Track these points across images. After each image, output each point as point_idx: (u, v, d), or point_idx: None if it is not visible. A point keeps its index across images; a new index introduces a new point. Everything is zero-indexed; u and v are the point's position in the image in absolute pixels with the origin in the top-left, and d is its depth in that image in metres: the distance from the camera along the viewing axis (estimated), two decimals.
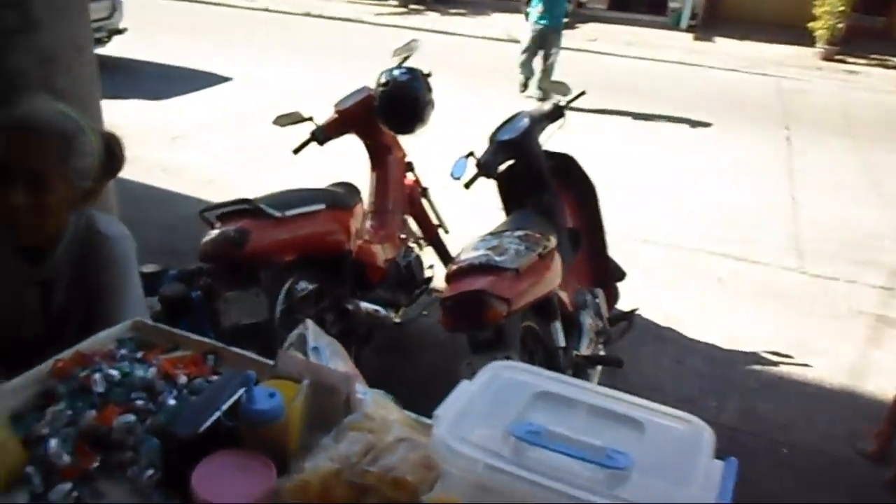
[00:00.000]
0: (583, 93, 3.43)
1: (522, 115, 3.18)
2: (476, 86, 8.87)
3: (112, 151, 1.72)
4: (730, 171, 6.60)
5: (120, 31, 8.82)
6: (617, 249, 3.68)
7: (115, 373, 1.28)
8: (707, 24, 14.42)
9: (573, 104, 3.32)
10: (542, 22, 7.93)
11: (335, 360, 1.38)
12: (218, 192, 5.15)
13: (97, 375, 1.27)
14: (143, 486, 1.12)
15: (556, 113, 3.23)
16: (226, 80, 8.63)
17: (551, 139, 3.22)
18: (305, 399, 1.20)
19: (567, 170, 3.34)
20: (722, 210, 5.71)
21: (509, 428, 0.97)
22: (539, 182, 3.14)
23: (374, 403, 1.19)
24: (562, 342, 2.81)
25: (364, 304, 3.06)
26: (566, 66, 7.56)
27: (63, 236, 1.70)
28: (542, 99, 7.68)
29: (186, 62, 9.21)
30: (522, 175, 3.14)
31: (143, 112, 7.26)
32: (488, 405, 1.04)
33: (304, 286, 2.95)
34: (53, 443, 1.16)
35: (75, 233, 1.72)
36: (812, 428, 3.30)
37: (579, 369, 2.93)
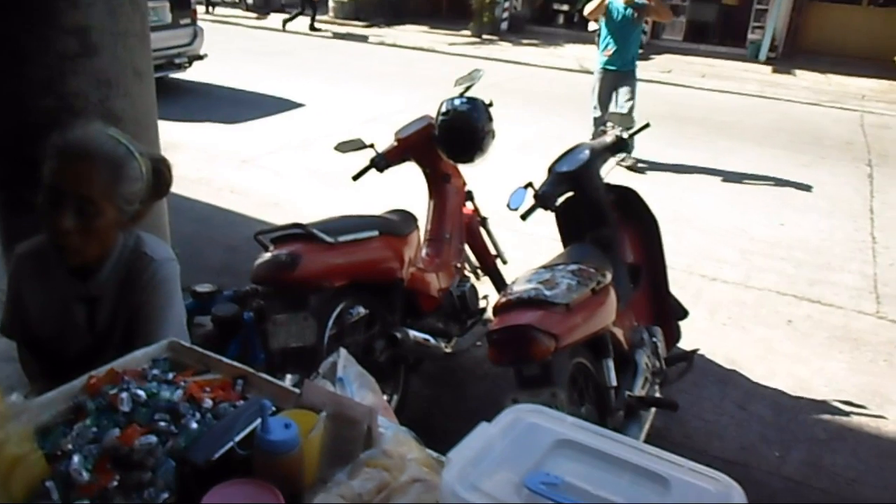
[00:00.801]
0: (647, 125, 3.36)
1: (583, 147, 3.13)
2: (543, 115, 8.85)
3: (160, 174, 1.75)
4: (806, 209, 6.34)
5: (200, 57, 9.18)
6: (680, 287, 3.57)
7: (141, 393, 1.29)
8: (787, 56, 14.07)
9: (639, 136, 3.25)
10: (611, 67, 6.80)
11: (363, 392, 1.35)
12: (282, 214, 5.26)
13: (124, 394, 1.28)
14: None
15: (619, 145, 3.17)
16: (298, 105, 8.85)
17: (613, 171, 3.15)
18: (325, 431, 1.17)
19: (629, 203, 3.27)
20: (795, 249, 5.48)
21: (524, 477, 0.92)
22: (598, 215, 3.08)
23: (395, 440, 1.15)
24: (614, 381, 2.72)
25: (414, 333, 3.03)
26: (637, 98, 7.42)
27: (111, 256, 1.73)
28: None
29: (261, 88, 9.51)
30: (581, 207, 3.09)
31: (216, 135, 7.50)
32: (506, 450, 1.00)
33: (355, 312, 2.95)
34: (76, 459, 1.16)
35: (122, 253, 1.75)
36: (885, 485, 3.08)
37: (631, 410, 2.82)
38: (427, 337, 3.12)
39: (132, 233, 1.78)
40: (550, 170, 3.09)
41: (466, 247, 3.68)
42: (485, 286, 3.79)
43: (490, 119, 3.41)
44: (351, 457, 1.19)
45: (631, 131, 3.28)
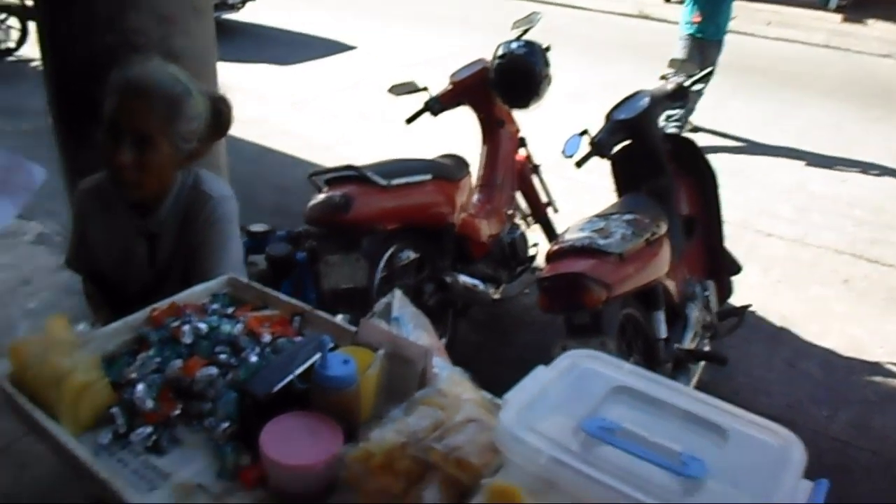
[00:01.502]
0: (710, 72, 3.24)
1: (643, 95, 3.04)
2: (600, 62, 8.61)
3: (220, 114, 1.76)
4: (870, 166, 6.10)
5: None
6: (734, 242, 3.49)
7: (203, 326, 1.32)
8: (859, 5, 13.36)
9: (699, 85, 3.14)
10: (699, 35, 5.89)
11: (418, 332, 1.37)
12: (333, 156, 5.27)
13: (187, 327, 1.32)
14: (217, 436, 1.15)
15: (679, 94, 3.07)
16: (350, 47, 8.78)
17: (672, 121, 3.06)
18: (381, 369, 1.19)
19: (686, 154, 3.18)
20: (857, 207, 5.30)
21: (581, 421, 0.92)
22: (655, 165, 3.00)
23: (450, 380, 1.17)
24: (663, 333, 2.69)
25: (463, 278, 3.04)
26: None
27: (170, 193, 1.76)
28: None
29: (313, 30, 9.43)
30: (638, 157, 3.02)
31: (268, 76, 7.51)
32: (562, 394, 1.00)
33: (406, 255, 2.97)
34: (140, 388, 1.21)
35: (181, 190, 1.78)
36: None
37: (680, 363, 2.80)
38: (476, 282, 3.13)
39: (191, 170, 1.81)
40: (608, 117, 3.01)
41: (518, 194, 3.64)
42: (535, 234, 3.77)
43: (547, 64, 3.34)
44: (406, 395, 1.21)
45: (693, 78, 3.17)
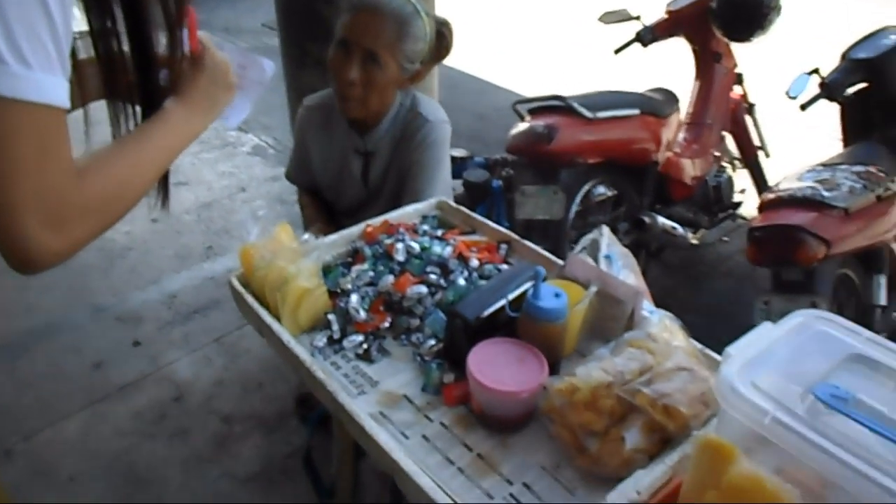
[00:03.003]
0: None
1: (890, 31, 2.70)
2: None
3: (442, 37, 1.78)
4: None
5: None
6: None
7: (415, 245, 1.37)
8: None
9: None
10: None
11: (626, 272, 1.33)
12: (534, 86, 5.20)
13: (400, 245, 1.37)
14: (424, 352, 1.20)
15: None
16: None
17: None
18: (589, 306, 1.18)
19: None
20: None
21: (811, 386, 0.86)
22: (894, 112, 2.68)
23: (661, 325, 1.13)
24: (883, 300, 2.45)
25: (661, 220, 2.92)
26: None
27: (388, 113, 1.82)
28: None
29: None
30: (875, 101, 2.70)
31: (464, 1, 7.46)
32: (790, 355, 0.93)
33: (603, 191, 2.90)
34: (354, 298, 1.28)
35: (399, 111, 1.83)
36: None
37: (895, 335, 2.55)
38: (675, 225, 3.00)
39: (409, 93, 1.85)
40: (844, 55, 2.71)
41: (728, 135, 3.41)
42: (741, 179, 3.53)
43: None
44: (611, 335, 1.19)
45: None
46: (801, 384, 0.88)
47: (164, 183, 1.06)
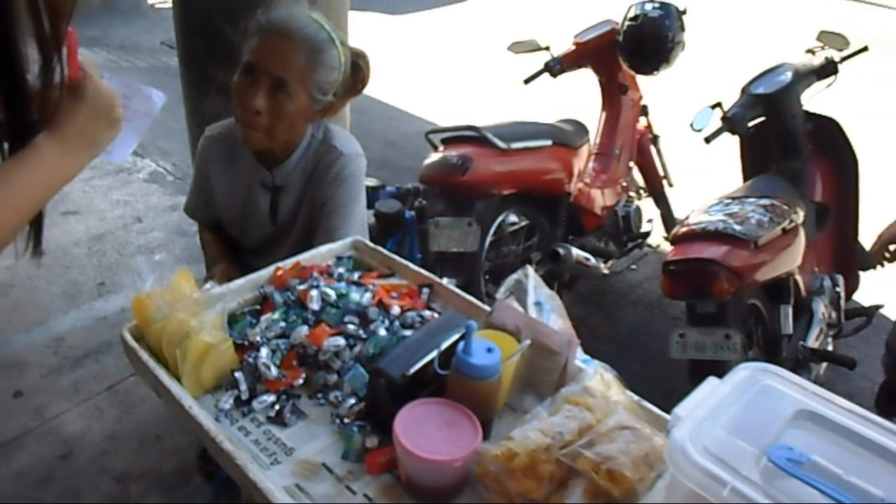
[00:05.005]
0: (864, 48, 2.95)
1: (785, 68, 2.80)
2: (743, 30, 8.06)
3: (358, 69, 1.69)
4: None
5: None
6: (869, 235, 3.21)
7: (331, 292, 1.26)
8: None
9: (850, 61, 2.86)
10: None
11: (554, 317, 1.27)
12: (443, 114, 5.17)
13: (314, 292, 1.26)
14: (343, 413, 1.09)
15: (828, 69, 2.80)
16: None
17: (815, 98, 2.81)
18: (521, 357, 1.10)
19: (828, 136, 2.92)
20: None
21: (765, 449, 0.81)
22: (790, 145, 2.78)
23: (596, 377, 1.07)
24: (789, 329, 2.50)
25: (576, 251, 2.91)
26: (845, 16, 6.43)
27: (298, 146, 1.70)
28: None
29: None
30: (773, 135, 2.79)
31: (378, 26, 7.42)
32: (738, 413, 0.88)
33: (516, 221, 2.87)
34: (264, 352, 1.16)
35: (311, 144, 1.72)
36: None
37: (801, 363, 2.61)
38: (588, 256, 3.00)
39: (321, 124, 1.74)
40: (744, 90, 2.79)
41: (634, 165, 3.46)
42: (648, 209, 3.58)
43: (683, 28, 3.10)
44: (543, 388, 1.12)
45: (844, 54, 2.89)
46: (754, 444, 0.83)
47: (36, 226, 0.92)
